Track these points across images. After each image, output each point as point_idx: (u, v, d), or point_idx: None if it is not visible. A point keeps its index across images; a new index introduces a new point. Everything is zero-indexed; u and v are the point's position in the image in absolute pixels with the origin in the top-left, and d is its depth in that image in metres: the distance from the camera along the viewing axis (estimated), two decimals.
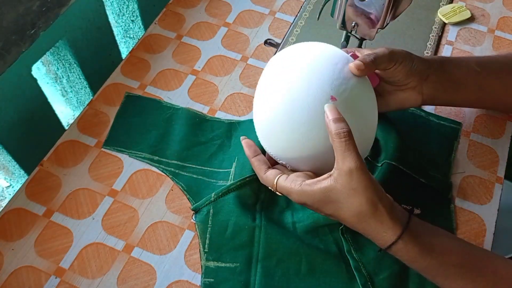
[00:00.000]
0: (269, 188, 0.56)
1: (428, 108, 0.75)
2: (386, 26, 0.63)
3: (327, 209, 0.51)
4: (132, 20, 0.99)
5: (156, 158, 0.69)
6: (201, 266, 0.60)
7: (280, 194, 0.55)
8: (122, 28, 1.00)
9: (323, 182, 0.50)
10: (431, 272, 0.51)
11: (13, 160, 0.80)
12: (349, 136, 0.48)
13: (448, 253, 0.51)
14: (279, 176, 0.54)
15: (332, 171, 0.50)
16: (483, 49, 0.82)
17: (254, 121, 0.59)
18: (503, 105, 0.71)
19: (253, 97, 0.76)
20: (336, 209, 0.50)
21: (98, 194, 0.66)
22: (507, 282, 0.50)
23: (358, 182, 0.48)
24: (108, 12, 0.92)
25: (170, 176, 0.67)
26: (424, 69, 0.60)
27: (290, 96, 0.53)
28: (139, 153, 0.69)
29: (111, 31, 0.94)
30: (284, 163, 0.58)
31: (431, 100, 0.63)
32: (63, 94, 0.95)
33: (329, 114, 0.50)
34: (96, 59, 0.93)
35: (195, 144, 0.70)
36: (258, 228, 0.62)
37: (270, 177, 0.55)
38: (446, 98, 0.63)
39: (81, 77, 0.91)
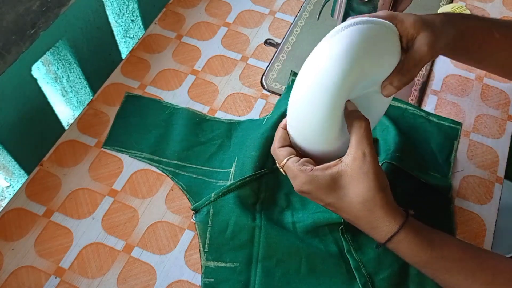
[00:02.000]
0: (276, 164, 0.55)
1: (428, 108, 0.75)
2: None
3: (330, 197, 0.50)
4: (132, 20, 0.99)
5: (156, 158, 0.69)
6: (201, 266, 0.61)
7: (283, 173, 0.54)
8: (122, 28, 1.00)
9: (334, 168, 0.50)
10: (431, 266, 0.51)
11: (13, 160, 0.80)
12: (367, 125, 0.50)
13: (448, 247, 0.51)
14: (292, 157, 0.53)
15: (343, 157, 0.50)
16: None
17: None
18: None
19: (252, 97, 0.76)
20: (341, 196, 0.50)
21: (98, 194, 0.66)
22: (506, 276, 0.50)
23: (369, 166, 0.48)
24: (108, 12, 0.92)
25: (170, 176, 0.67)
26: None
27: (313, 83, 0.50)
28: (139, 153, 0.69)
29: (111, 31, 0.94)
30: (298, 144, 0.55)
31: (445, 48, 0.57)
32: (63, 94, 0.95)
33: (349, 107, 0.52)
34: (96, 59, 0.93)
35: (195, 144, 0.70)
36: (258, 228, 0.62)
37: (283, 152, 0.54)
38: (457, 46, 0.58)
39: (81, 77, 0.91)
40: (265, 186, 0.65)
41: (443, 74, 0.79)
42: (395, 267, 0.59)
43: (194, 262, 0.61)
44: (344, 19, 0.64)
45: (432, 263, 0.51)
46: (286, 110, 0.68)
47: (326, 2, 0.67)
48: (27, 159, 0.82)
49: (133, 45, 0.83)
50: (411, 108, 0.73)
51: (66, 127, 0.83)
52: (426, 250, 0.50)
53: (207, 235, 0.62)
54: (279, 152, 0.54)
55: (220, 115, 0.74)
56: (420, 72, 0.75)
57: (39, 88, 0.81)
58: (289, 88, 0.75)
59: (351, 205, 0.50)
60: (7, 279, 0.60)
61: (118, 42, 0.98)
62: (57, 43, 0.82)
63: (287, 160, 0.53)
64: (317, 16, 0.72)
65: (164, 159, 0.69)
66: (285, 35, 0.83)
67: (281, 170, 0.54)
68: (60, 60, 0.86)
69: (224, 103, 0.75)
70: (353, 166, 0.49)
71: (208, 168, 0.68)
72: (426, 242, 0.50)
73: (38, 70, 0.88)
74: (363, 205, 0.49)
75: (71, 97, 0.96)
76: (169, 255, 0.62)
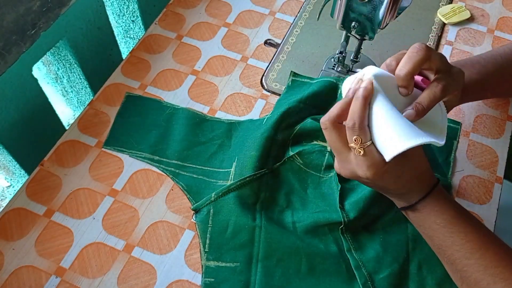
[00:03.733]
0: (354, 142, 0.49)
1: None
2: (386, 26, 0.63)
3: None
4: (133, 20, 0.99)
5: (156, 158, 0.69)
6: (202, 265, 0.61)
7: (360, 153, 0.49)
8: (123, 28, 1.00)
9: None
10: (461, 218, 0.52)
11: (13, 160, 0.81)
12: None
13: (470, 214, 0.53)
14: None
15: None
16: (483, 49, 0.82)
17: None
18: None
19: (253, 97, 0.76)
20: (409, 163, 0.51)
21: (99, 194, 0.66)
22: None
23: None
24: (109, 12, 0.93)
25: (171, 176, 0.68)
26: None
27: None
28: (140, 153, 0.70)
29: (112, 31, 0.94)
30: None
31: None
32: (63, 94, 0.95)
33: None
34: (97, 59, 0.93)
35: (195, 144, 0.70)
36: (258, 228, 0.62)
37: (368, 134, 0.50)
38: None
39: (81, 77, 0.91)
40: (265, 186, 0.65)
41: None
42: (395, 267, 0.59)
43: (194, 262, 0.61)
44: (344, 19, 0.64)
45: (462, 215, 0.52)
46: (286, 110, 0.68)
47: (326, 3, 0.68)
48: (28, 159, 0.82)
49: (134, 45, 0.83)
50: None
51: (67, 127, 0.83)
52: (454, 207, 0.52)
53: (208, 235, 0.62)
54: (366, 130, 0.50)
55: (220, 115, 0.74)
56: None
57: (40, 88, 0.81)
58: (289, 88, 0.75)
59: (411, 168, 0.51)
60: (7, 278, 0.60)
61: (118, 42, 0.99)
62: (57, 43, 0.82)
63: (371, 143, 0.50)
64: (317, 17, 0.72)
65: (164, 159, 0.69)
66: (285, 36, 0.83)
67: (359, 149, 0.49)
68: (60, 60, 0.87)
69: (224, 103, 0.76)
70: None
71: (208, 168, 0.69)
72: (454, 202, 0.53)
73: (39, 70, 0.88)
74: (425, 165, 0.52)
75: (72, 97, 0.96)
76: (169, 255, 0.62)
